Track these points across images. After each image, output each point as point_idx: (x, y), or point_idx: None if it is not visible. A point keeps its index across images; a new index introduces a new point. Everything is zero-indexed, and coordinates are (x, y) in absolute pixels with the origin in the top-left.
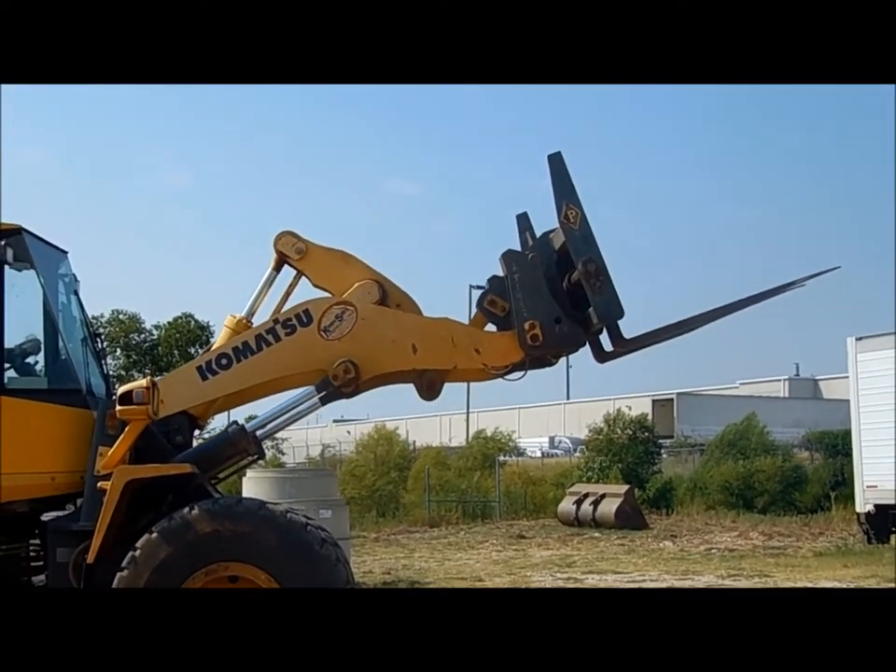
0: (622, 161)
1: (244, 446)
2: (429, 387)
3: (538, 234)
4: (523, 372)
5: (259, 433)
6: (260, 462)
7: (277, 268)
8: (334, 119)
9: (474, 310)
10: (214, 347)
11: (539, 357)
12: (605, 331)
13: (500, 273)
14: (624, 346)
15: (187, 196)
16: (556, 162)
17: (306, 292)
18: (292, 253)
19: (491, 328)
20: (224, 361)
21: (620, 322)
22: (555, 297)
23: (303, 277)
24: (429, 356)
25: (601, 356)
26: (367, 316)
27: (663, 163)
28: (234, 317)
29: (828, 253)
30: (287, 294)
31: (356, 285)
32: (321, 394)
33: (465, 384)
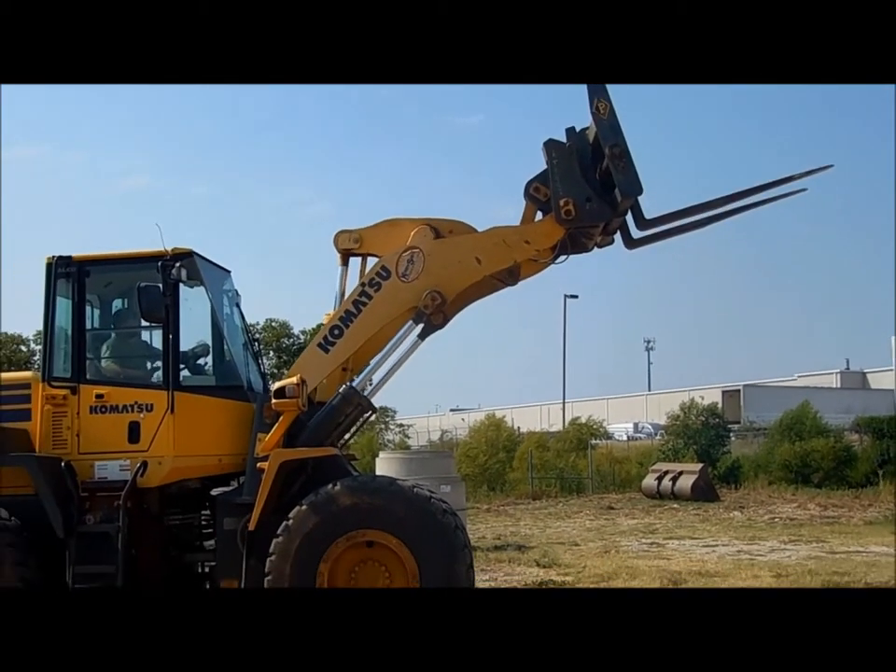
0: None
1: (357, 401)
2: (511, 276)
3: None
4: (566, 256)
5: (372, 383)
6: (390, 445)
7: (345, 262)
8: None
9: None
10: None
11: (575, 236)
12: (631, 216)
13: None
14: (646, 226)
15: (328, 223)
16: None
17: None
18: (352, 244)
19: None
20: (336, 332)
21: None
22: (587, 181)
23: (370, 258)
24: (492, 261)
25: (630, 242)
26: (431, 251)
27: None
28: (329, 315)
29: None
30: (363, 278)
31: (411, 233)
32: (418, 328)
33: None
